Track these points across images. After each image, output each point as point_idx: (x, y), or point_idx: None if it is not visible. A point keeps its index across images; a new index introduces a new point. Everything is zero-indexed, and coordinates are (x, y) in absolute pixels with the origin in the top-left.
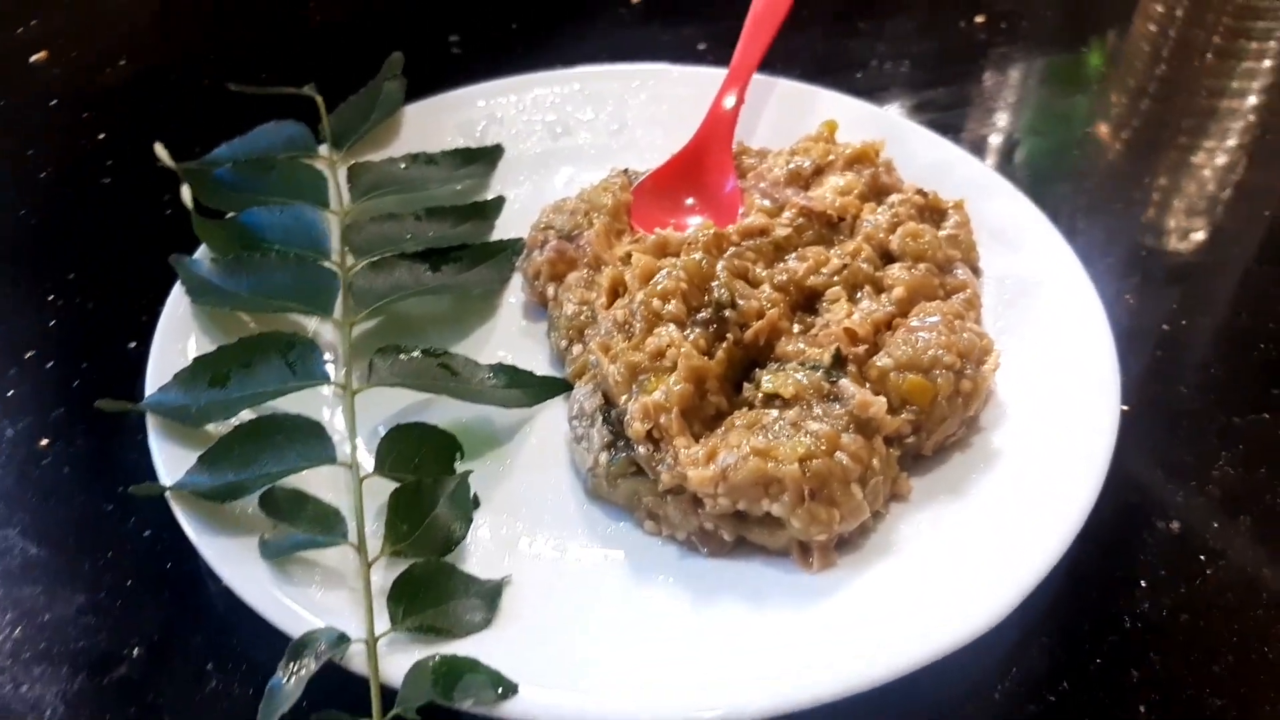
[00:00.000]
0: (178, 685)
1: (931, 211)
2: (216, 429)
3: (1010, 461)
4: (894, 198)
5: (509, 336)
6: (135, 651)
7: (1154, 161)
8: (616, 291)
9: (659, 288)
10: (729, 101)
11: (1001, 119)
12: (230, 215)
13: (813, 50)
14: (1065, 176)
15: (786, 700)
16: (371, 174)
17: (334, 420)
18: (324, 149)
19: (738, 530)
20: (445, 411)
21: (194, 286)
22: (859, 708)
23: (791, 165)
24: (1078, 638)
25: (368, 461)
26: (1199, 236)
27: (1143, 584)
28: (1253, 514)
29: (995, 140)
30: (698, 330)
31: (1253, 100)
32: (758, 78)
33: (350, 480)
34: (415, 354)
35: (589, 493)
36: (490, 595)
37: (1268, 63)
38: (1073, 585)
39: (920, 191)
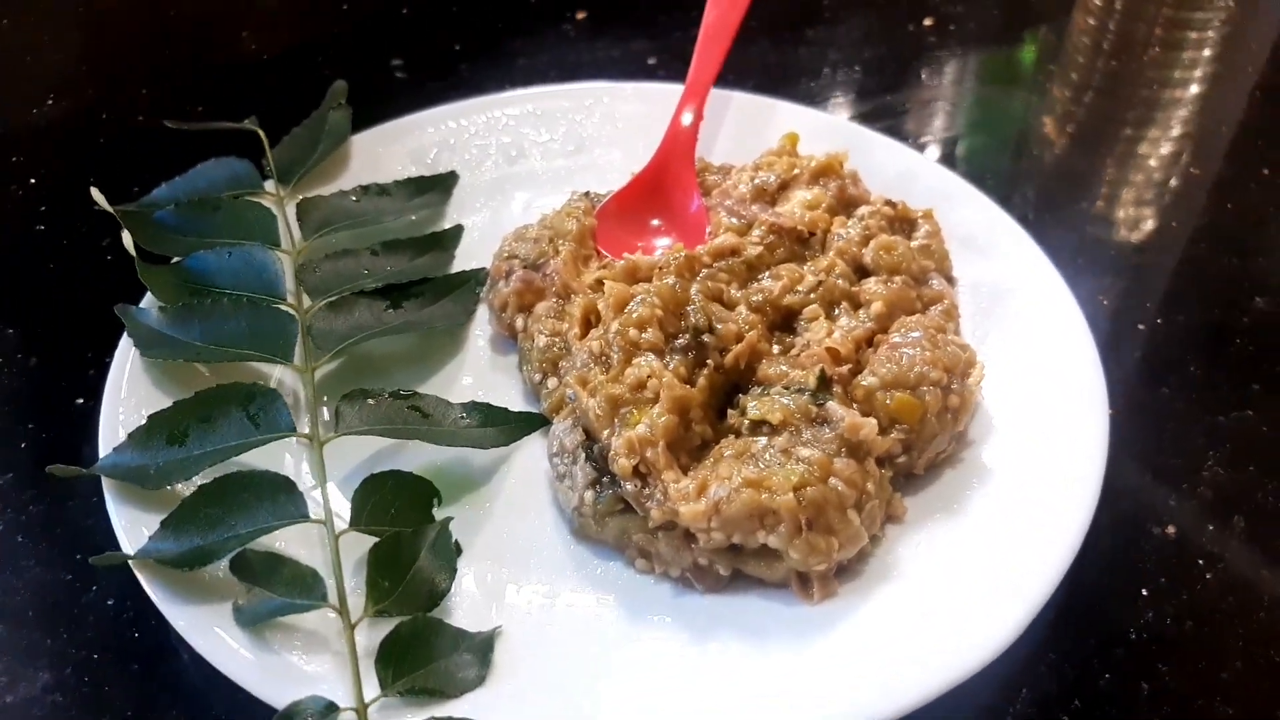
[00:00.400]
0: None
1: (901, 222)
2: (180, 489)
3: (1003, 476)
4: (863, 210)
5: (478, 372)
6: None
7: (1109, 158)
8: (589, 321)
9: (634, 316)
10: (687, 118)
11: (953, 122)
12: (176, 260)
13: (763, 61)
14: (1026, 177)
15: None
16: (321, 209)
17: (301, 472)
18: (270, 185)
19: (733, 564)
20: (417, 456)
21: (143, 338)
22: None
23: (757, 181)
24: (1085, 653)
25: (342, 514)
26: (1166, 233)
27: (1144, 593)
28: (1246, 514)
29: (951, 144)
30: (677, 358)
31: (1195, 90)
32: (714, 92)
33: (325, 537)
34: (383, 397)
35: (575, 533)
36: (482, 650)
37: (1208, 51)
38: (1073, 598)
39: (889, 202)
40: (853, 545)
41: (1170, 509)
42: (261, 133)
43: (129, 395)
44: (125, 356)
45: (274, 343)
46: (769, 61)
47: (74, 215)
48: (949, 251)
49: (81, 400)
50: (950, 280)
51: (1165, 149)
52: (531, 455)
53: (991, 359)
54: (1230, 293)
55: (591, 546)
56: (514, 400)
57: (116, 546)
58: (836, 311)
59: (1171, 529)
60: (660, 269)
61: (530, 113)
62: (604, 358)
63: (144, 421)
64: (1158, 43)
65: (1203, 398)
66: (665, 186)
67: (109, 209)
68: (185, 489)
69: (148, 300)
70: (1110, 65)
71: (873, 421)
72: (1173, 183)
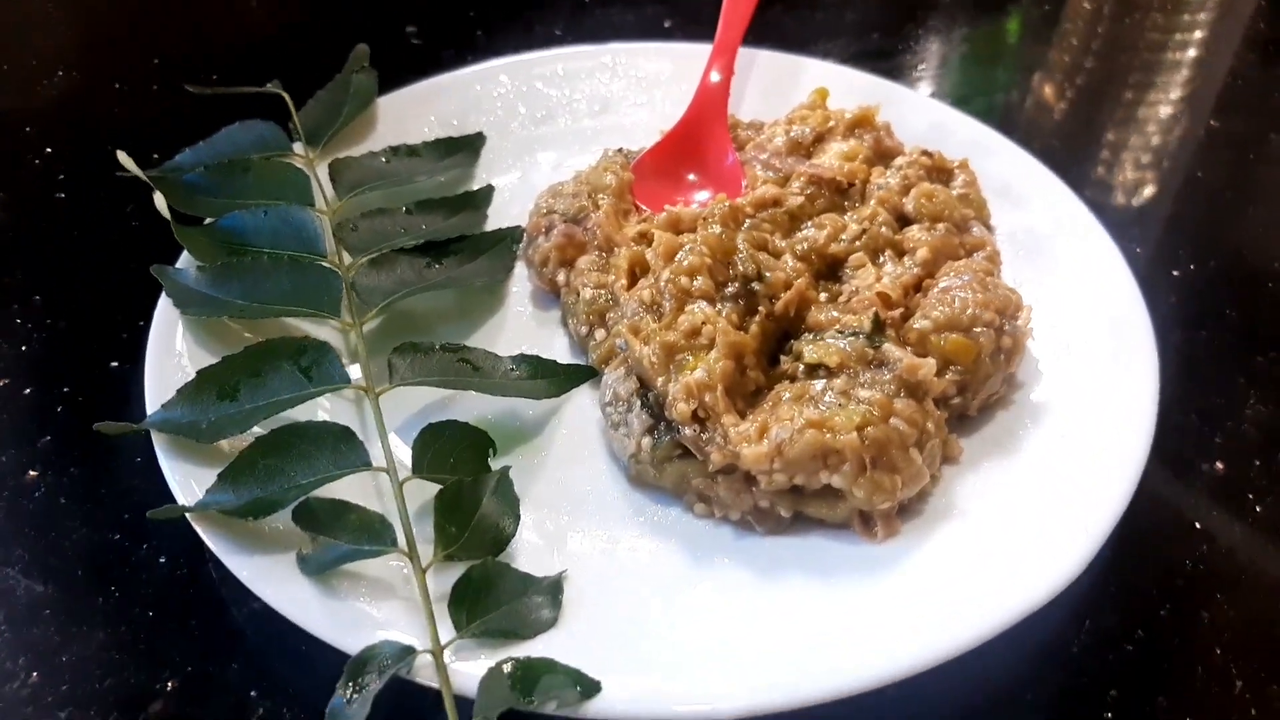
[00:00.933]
0: (221, 717)
1: (938, 172)
2: (231, 445)
3: (1055, 416)
4: (900, 160)
5: (521, 327)
6: (170, 685)
7: (1121, 114)
8: (634, 273)
9: (684, 264)
10: (717, 75)
11: (970, 78)
12: (209, 221)
13: (777, 25)
14: (1049, 132)
15: (872, 675)
16: (354, 170)
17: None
18: (298, 147)
19: (795, 506)
20: (468, 408)
21: (182, 297)
22: (938, 675)
23: (792, 134)
24: (1144, 585)
25: (402, 463)
26: (1194, 184)
27: (1198, 525)
28: None
29: (970, 99)
30: (728, 305)
31: (1193, 53)
32: (740, 50)
33: (387, 485)
34: (434, 350)
35: (632, 480)
36: (552, 592)
37: (1204, 15)
38: (1128, 532)
39: (925, 152)
40: (915, 483)
41: (1217, 445)
42: (286, 95)
43: (172, 353)
44: (166, 316)
45: (319, 298)
46: (784, 26)
47: (94, 183)
48: (986, 200)
49: (116, 363)
50: (989, 228)
51: (1176, 104)
52: (580, 407)
53: (1036, 302)
54: (1259, 239)
55: (649, 492)
56: (559, 353)
57: (166, 504)
58: (882, 259)
59: (1220, 464)
60: (704, 220)
61: (555, 74)
62: (655, 306)
63: (192, 378)
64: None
65: (1239, 340)
66: (699, 142)
67: (138, 173)
68: (239, 443)
69: (183, 261)
70: (1113, 27)
71: (931, 361)
72: (1198, 134)
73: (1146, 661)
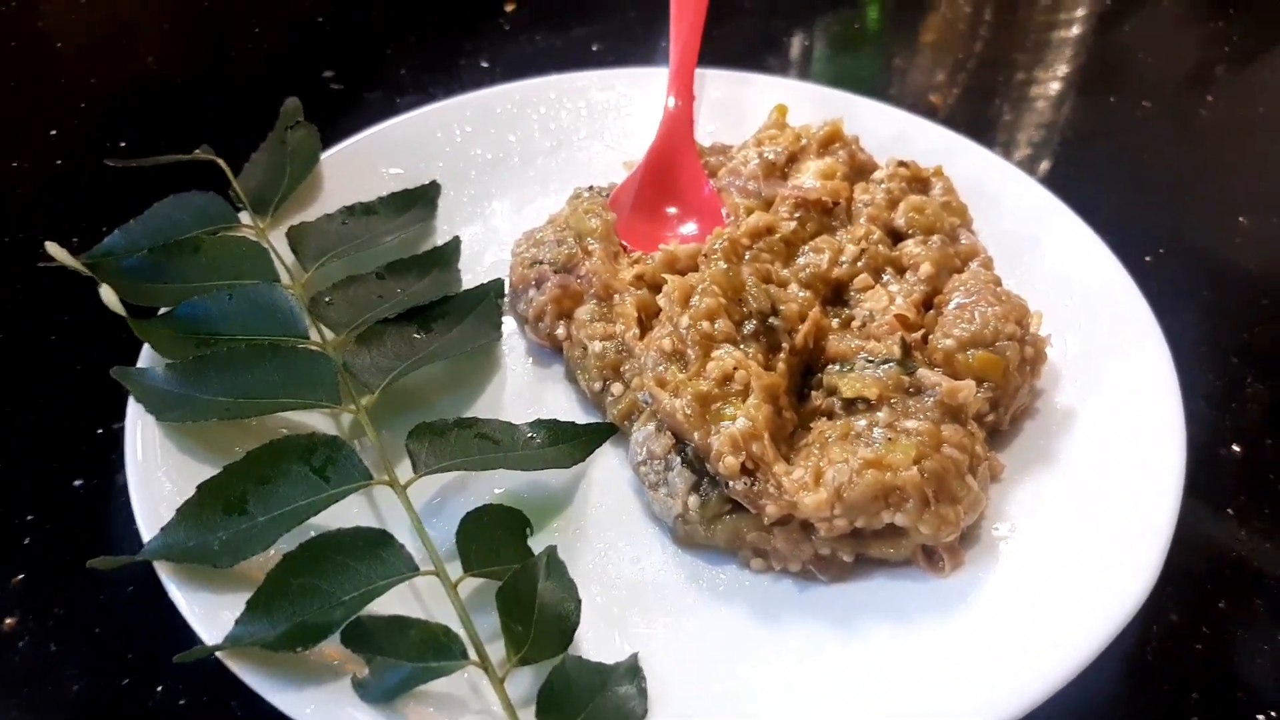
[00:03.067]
0: None
1: (916, 182)
2: (254, 564)
3: (1082, 421)
4: (879, 174)
5: (524, 388)
6: None
7: (1016, 95)
8: (642, 319)
9: (702, 307)
10: (677, 101)
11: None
12: (164, 311)
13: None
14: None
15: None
16: (313, 237)
17: (370, 522)
18: (244, 218)
19: (856, 549)
20: (488, 484)
21: (155, 402)
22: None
23: (765, 156)
24: (1197, 578)
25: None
26: (1112, 163)
27: (1230, 511)
28: None
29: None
30: (752, 345)
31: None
32: (660, 72)
33: (427, 586)
34: (449, 430)
35: (679, 541)
36: (633, 679)
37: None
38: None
39: (902, 163)
40: (975, 510)
41: (1229, 428)
42: (222, 161)
43: (154, 466)
44: (139, 425)
45: (312, 386)
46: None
47: (13, 280)
48: (965, 205)
49: (80, 481)
50: (973, 234)
51: (1069, 81)
52: (607, 466)
53: (1035, 304)
54: (1221, 214)
55: (699, 553)
56: (570, 411)
57: (174, 637)
58: (885, 278)
59: (1236, 447)
60: (706, 256)
61: (500, 113)
62: (678, 355)
63: (192, 494)
64: None
65: (1221, 319)
66: (672, 173)
67: (72, 263)
68: (263, 562)
69: (145, 358)
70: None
71: (970, 383)
72: (1098, 110)
73: (1216, 657)
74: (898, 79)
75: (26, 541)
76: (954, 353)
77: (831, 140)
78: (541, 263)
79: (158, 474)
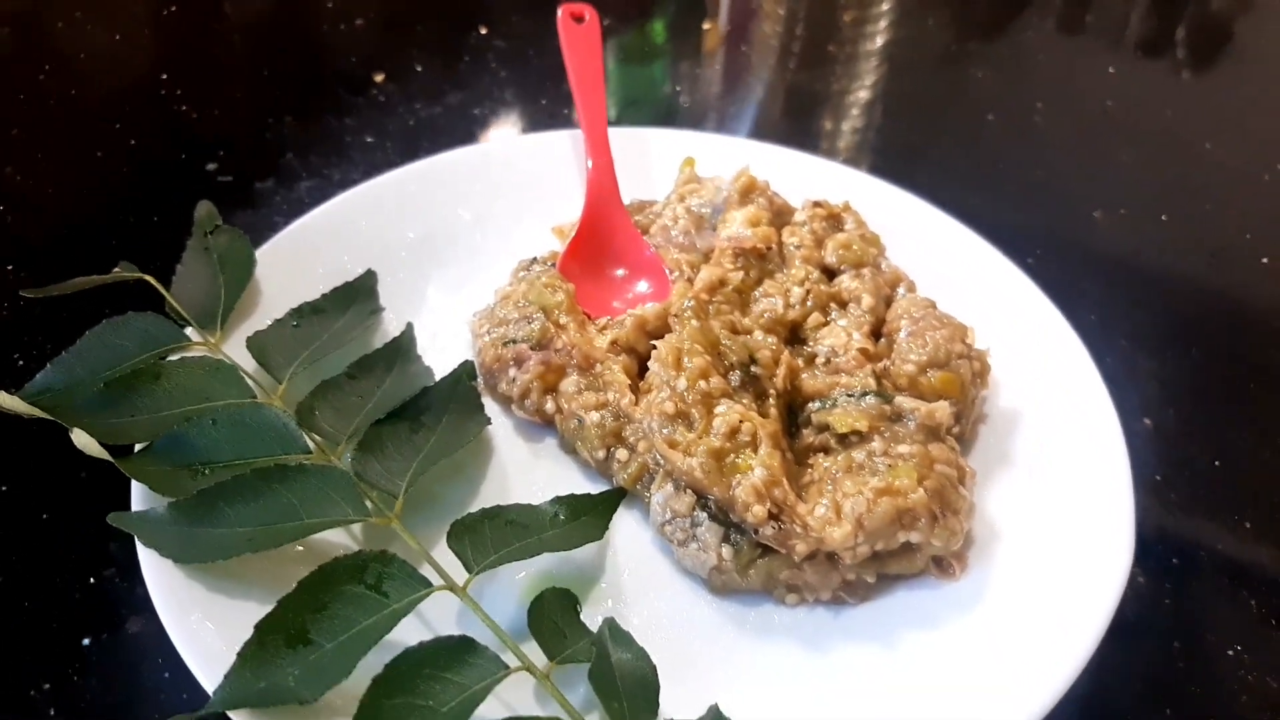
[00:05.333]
0: None
1: (831, 219)
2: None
3: (1029, 419)
4: (799, 216)
5: (525, 466)
6: None
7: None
8: (634, 384)
9: (695, 368)
10: (599, 164)
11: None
12: (142, 446)
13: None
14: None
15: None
16: (274, 345)
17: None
18: (191, 334)
19: (877, 570)
20: (509, 567)
21: (170, 546)
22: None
23: (694, 210)
24: (1162, 561)
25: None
26: (953, 162)
27: (1157, 478)
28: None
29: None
30: (745, 396)
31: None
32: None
33: (526, 684)
34: (481, 523)
35: (716, 590)
36: None
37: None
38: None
39: (818, 204)
40: (970, 517)
41: (1136, 405)
42: (151, 278)
43: (188, 611)
44: (156, 572)
45: (333, 502)
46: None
47: None
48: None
49: (88, 640)
50: (887, 260)
51: (879, 83)
52: (624, 530)
53: (964, 318)
54: (1076, 213)
55: (735, 597)
56: (574, 481)
57: None
58: (833, 315)
59: (1147, 420)
60: (676, 316)
61: (414, 193)
62: (682, 415)
63: (250, 635)
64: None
65: (1106, 307)
66: (608, 236)
67: (27, 411)
68: (347, 689)
69: (139, 500)
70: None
71: (944, 404)
72: (903, 106)
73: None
74: (694, 92)
75: (52, 714)
76: (916, 376)
77: (750, 189)
78: (514, 341)
79: (196, 619)
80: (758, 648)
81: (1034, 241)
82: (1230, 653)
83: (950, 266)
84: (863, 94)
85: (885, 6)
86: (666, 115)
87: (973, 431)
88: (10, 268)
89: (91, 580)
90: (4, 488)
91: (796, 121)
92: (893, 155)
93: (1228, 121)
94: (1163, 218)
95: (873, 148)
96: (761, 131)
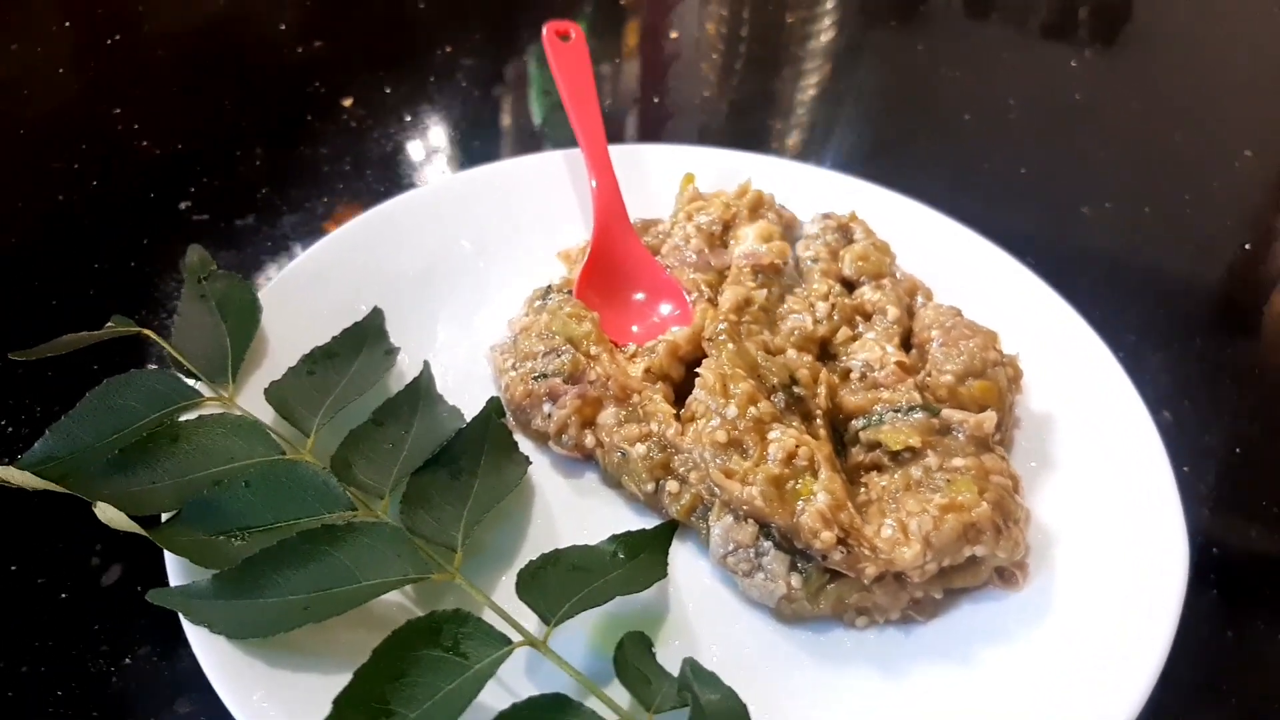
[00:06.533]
0: None
1: (841, 230)
2: None
3: (1063, 421)
4: (812, 229)
5: (568, 505)
6: None
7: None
8: (677, 414)
9: (743, 394)
10: (603, 183)
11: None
12: (169, 516)
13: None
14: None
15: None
16: (294, 396)
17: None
18: (200, 388)
19: (943, 585)
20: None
21: (221, 622)
22: None
23: (707, 228)
24: (1204, 552)
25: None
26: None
27: (1184, 469)
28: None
29: None
30: (793, 419)
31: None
32: (567, 153)
33: None
34: (546, 569)
35: (786, 618)
36: None
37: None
38: None
39: (827, 216)
40: (1028, 523)
41: (1151, 398)
42: (150, 332)
43: (250, 691)
44: (208, 651)
45: (390, 561)
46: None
47: None
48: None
49: None
50: (899, 268)
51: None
52: (679, 563)
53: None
54: (1065, 209)
55: (805, 625)
56: (622, 515)
57: None
58: (860, 328)
59: (1166, 413)
60: (711, 341)
61: (409, 225)
62: (735, 444)
63: (329, 711)
64: None
65: (1110, 302)
66: (621, 259)
67: (32, 484)
68: None
69: (177, 573)
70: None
71: (991, 413)
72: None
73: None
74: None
75: None
76: (955, 387)
77: (758, 204)
78: (545, 375)
79: (260, 698)
80: (836, 674)
81: (1028, 240)
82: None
83: (957, 270)
84: (822, 95)
85: (830, 5)
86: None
87: (1009, 437)
88: None
89: (127, 661)
90: (13, 567)
91: (741, 124)
92: (873, 160)
93: (1194, 111)
94: (1145, 210)
95: (842, 151)
96: (710, 134)
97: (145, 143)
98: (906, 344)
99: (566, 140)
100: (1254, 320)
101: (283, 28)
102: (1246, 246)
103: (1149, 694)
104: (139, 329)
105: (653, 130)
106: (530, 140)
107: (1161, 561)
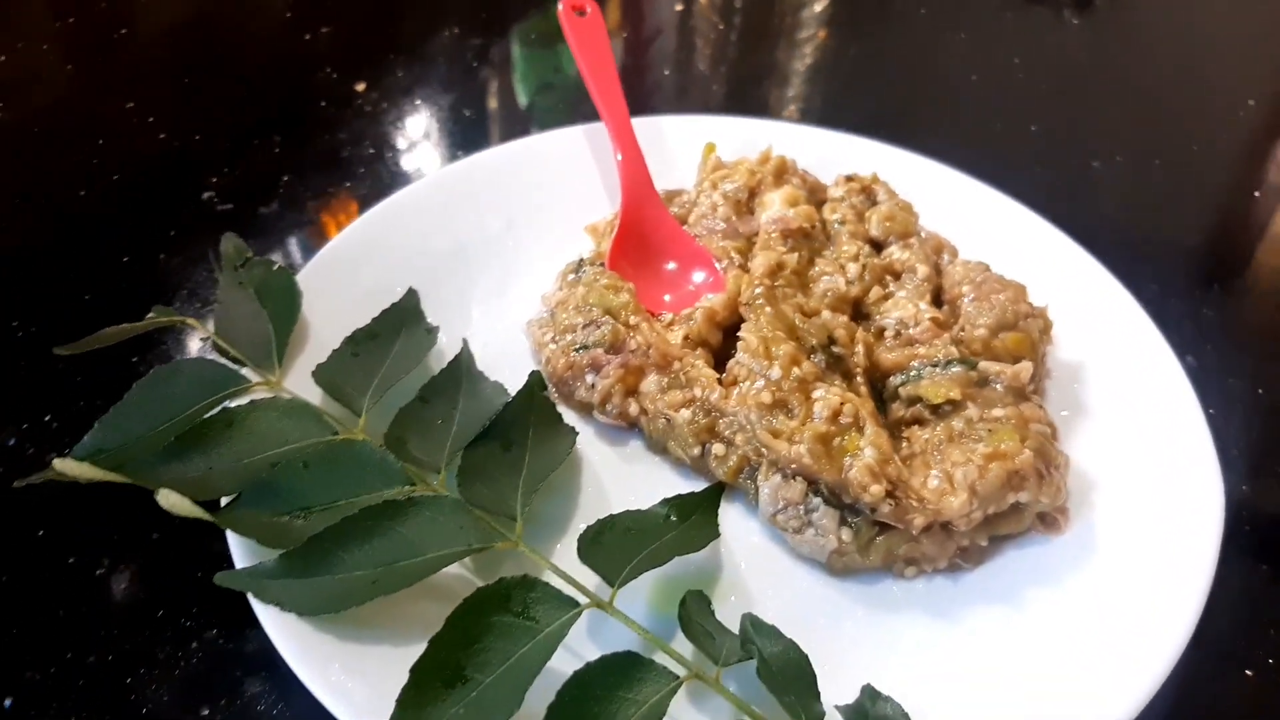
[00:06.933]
0: None
1: (864, 192)
2: None
3: (1094, 371)
4: (836, 192)
5: (618, 472)
6: None
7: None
8: (717, 379)
9: (785, 356)
10: (628, 155)
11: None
12: (229, 500)
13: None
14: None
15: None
16: (342, 378)
17: None
18: (248, 374)
19: (989, 532)
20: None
21: (290, 599)
22: None
23: (733, 195)
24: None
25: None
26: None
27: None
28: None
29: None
30: (835, 378)
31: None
32: (590, 127)
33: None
34: (606, 530)
35: (837, 572)
36: (878, 700)
37: None
38: None
39: (850, 178)
40: (1068, 469)
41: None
42: (193, 321)
43: (326, 665)
44: (280, 630)
45: (453, 533)
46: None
47: None
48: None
49: (207, 710)
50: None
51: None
52: (728, 525)
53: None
54: (1075, 165)
55: (855, 578)
56: (668, 480)
57: None
58: (891, 287)
59: (1190, 359)
60: (747, 305)
61: (438, 205)
62: (781, 404)
63: (407, 680)
64: None
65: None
66: (651, 229)
67: (90, 475)
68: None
69: (241, 555)
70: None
71: (1027, 364)
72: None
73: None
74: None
75: None
76: (989, 340)
77: (783, 170)
78: (586, 347)
79: (336, 670)
80: (889, 623)
81: (1043, 196)
82: None
83: (979, 226)
84: (827, 62)
85: None
86: (580, 97)
87: (1040, 387)
88: (15, 323)
89: (195, 645)
90: (71, 559)
91: (751, 94)
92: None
93: (1197, 62)
94: (1156, 162)
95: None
96: (720, 105)
97: (163, 135)
98: (937, 300)
99: (578, 116)
100: (1268, 265)
101: (288, 15)
102: (1256, 194)
103: (1193, 628)
104: (182, 319)
105: (664, 103)
106: (550, 119)
107: (1198, 500)
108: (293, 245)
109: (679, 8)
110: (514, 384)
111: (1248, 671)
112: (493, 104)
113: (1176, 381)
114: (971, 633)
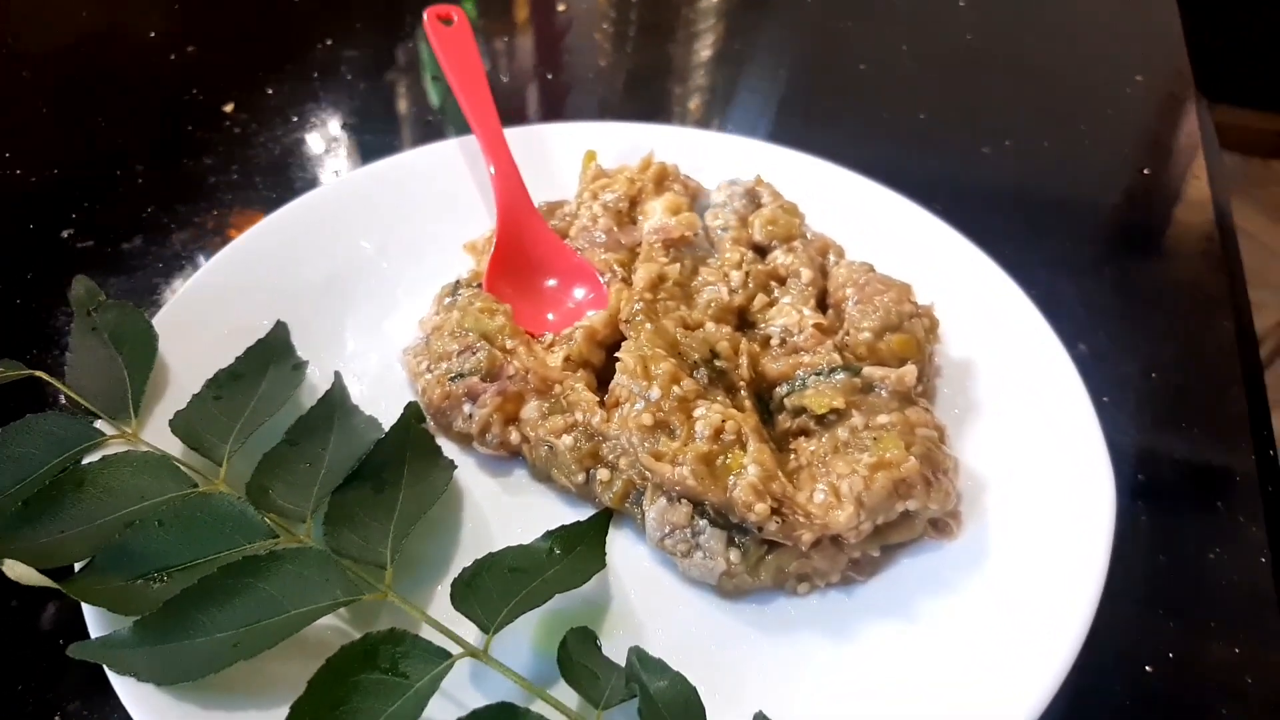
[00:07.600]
0: None
1: (748, 195)
2: None
3: (982, 367)
4: (718, 197)
5: (500, 505)
6: None
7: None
8: (599, 400)
9: (665, 374)
10: (502, 169)
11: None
12: (82, 565)
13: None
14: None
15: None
16: (202, 425)
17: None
18: (102, 426)
19: (880, 542)
20: None
21: (146, 669)
22: None
23: (613, 206)
24: (1129, 479)
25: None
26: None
27: (1104, 400)
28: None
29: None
30: (717, 393)
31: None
32: (463, 140)
33: None
34: (481, 575)
35: (728, 594)
36: None
37: None
38: None
39: (733, 182)
40: (957, 474)
41: (1065, 331)
42: (42, 374)
43: None
44: (137, 703)
45: (318, 587)
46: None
47: None
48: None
49: None
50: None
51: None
52: (616, 552)
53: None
54: (964, 151)
55: (748, 598)
56: (555, 510)
57: None
58: (775, 293)
59: (1082, 345)
60: (627, 322)
61: (306, 231)
62: (662, 425)
63: None
64: None
65: (1019, 239)
66: (530, 245)
67: None
68: None
69: (96, 624)
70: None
71: (911, 367)
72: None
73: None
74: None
75: None
76: (874, 343)
77: (664, 176)
78: (462, 375)
79: None
80: (783, 643)
81: (934, 185)
82: (1211, 556)
83: (867, 224)
84: (718, 57)
85: None
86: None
87: (931, 387)
88: None
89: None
90: None
91: (641, 94)
92: (774, 119)
93: (1083, 41)
94: (1045, 144)
95: (744, 113)
96: (610, 107)
97: (19, 171)
98: (823, 305)
99: (464, 126)
100: (1158, 244)
101: (152, 35)
102: (1145, 171)
103: (1089, 624)
104: (29, 371)
105: (552, 107)
106: (427, 129)
107: (1089, 494)
108: (159, 282)
109: (562, 8)
110: (393, 418)
111: (1148, 667)
112: (368, 119)
113: (1065, 375)
114: (868, 647)
